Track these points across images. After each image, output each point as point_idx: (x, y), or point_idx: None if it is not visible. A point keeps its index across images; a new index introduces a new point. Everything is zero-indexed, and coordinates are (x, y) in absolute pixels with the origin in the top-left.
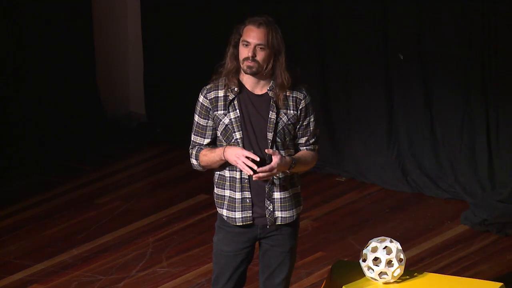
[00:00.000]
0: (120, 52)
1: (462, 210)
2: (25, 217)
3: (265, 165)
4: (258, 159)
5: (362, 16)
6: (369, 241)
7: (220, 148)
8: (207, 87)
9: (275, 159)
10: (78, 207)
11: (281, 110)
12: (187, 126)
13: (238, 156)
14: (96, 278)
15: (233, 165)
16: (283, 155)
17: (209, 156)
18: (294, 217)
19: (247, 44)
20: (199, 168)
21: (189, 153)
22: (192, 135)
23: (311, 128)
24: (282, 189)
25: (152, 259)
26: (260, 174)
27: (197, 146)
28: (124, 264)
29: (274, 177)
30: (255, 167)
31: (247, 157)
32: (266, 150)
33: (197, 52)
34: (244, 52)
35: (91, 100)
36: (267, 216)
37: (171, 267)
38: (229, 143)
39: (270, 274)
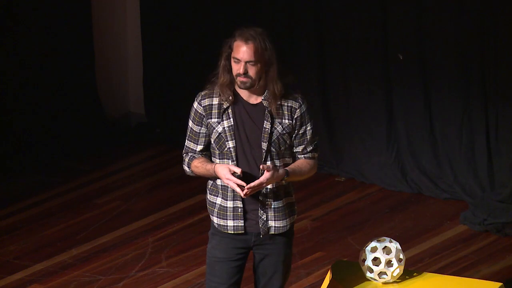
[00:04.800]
0: (119, 52)
1: (461, 210)
2: (25, 217)
3: (256, 178)
4: (239, 170)
5: (361, 16)
6: (369, 241)
7: (211, 165)
8: (202, 93)
9: (266, 175)
10: (78, 207)
11: (276, 120)
12: (187, 126)
13: (229, 178)
14: (95, 278)
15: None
16: (278, 165)
17: (200, 169)
18: (288, 226)
19: (237, 61)
20: (192, 175)
21: (182, 157)
22: (186, 140)
23: (308, 137)
24: (276, 198)
25: (151, 259)
26: (247, 191)
27: (190, 153)
28: (124, 264)
29: (269, 186)
30: (244, 184)
31: (234, 174)
32: (261, 166)
33: (196, 53)
34: (236, 68)
35: (91, 100)
36: (260, 225)
37: (170, 267)
38: (222, 152)
39: (266, 283)
